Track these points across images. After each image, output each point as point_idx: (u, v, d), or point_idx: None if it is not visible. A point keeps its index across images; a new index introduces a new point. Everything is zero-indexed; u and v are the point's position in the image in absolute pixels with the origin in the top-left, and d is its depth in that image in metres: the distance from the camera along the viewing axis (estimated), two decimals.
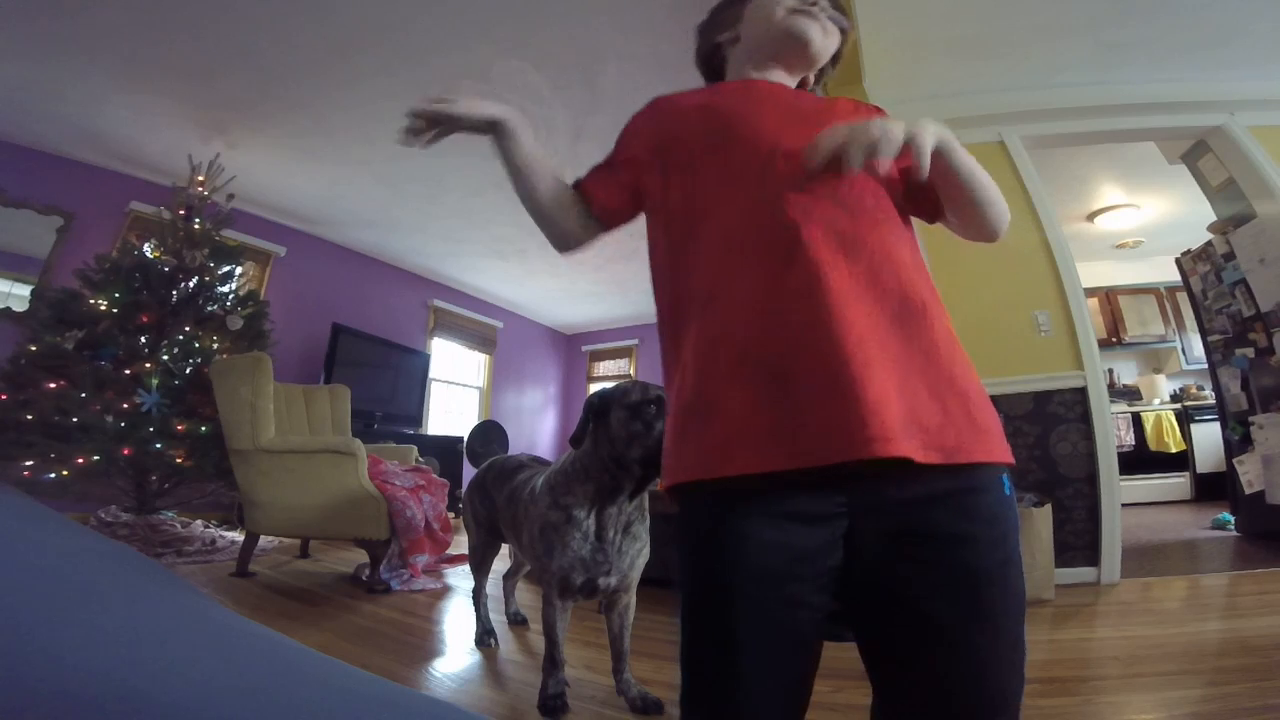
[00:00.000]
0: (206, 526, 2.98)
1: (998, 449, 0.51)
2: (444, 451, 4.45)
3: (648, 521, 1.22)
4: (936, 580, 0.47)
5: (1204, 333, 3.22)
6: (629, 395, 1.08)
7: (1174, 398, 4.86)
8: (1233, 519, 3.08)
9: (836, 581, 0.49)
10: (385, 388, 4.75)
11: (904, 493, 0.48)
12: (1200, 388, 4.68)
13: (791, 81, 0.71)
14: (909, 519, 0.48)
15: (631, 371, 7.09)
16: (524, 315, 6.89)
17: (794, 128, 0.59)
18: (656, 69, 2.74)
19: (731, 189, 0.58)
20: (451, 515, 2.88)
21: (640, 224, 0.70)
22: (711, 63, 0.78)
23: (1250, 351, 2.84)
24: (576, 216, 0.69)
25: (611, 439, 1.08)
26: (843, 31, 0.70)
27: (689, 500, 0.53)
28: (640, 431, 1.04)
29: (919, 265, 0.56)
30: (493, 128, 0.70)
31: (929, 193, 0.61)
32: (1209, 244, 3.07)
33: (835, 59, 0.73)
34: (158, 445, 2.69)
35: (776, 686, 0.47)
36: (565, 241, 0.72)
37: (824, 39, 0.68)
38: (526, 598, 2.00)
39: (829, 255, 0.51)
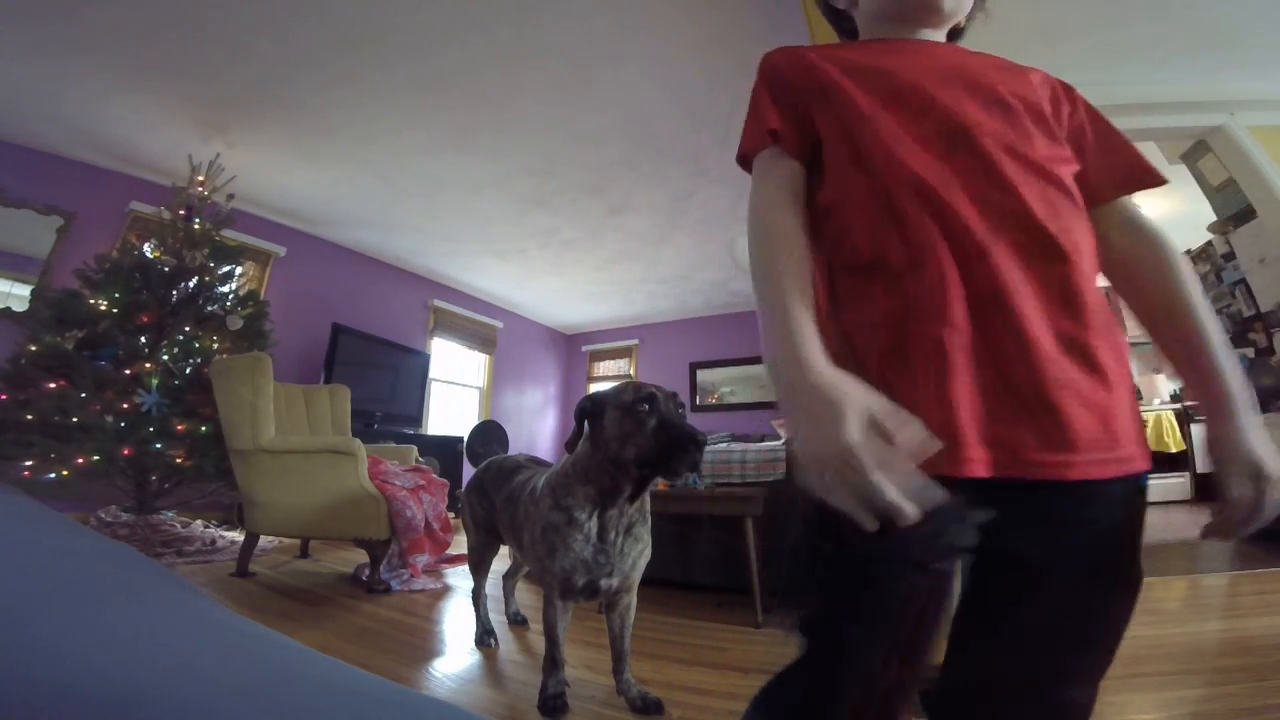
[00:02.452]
0: (206, 526, 2.98)
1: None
2: (444, 451, 4.44)
3: (649, 523, 1.22)
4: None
5: None
6: (622, 395, 1.08)
7: (1174, 398, 4.86)
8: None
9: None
10: (385, 388, 4.74)
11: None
12: None
13: (941, 36, 0.62)
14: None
15: (632, 371, 7.09)
16: (524, 315, 6.89)
17: (980, 100, 0.52)
18: (657, 68, 2.74)
19: (922, 156, 0.50)
20: (451, 515, 2.88)
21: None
22: (841, 23, 0.69)
23: (1250, 351, 2.84)
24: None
25: (607, 440, 1.08)
26: None
27: None
28: (633, 431, 1.04)
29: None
30: None
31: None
32: (1209, 244, 3.07)
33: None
34: (158, 445, 2.69)
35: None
36: None
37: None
38: (526, 598, 2.00)
39: (1018, 265, 0.46)
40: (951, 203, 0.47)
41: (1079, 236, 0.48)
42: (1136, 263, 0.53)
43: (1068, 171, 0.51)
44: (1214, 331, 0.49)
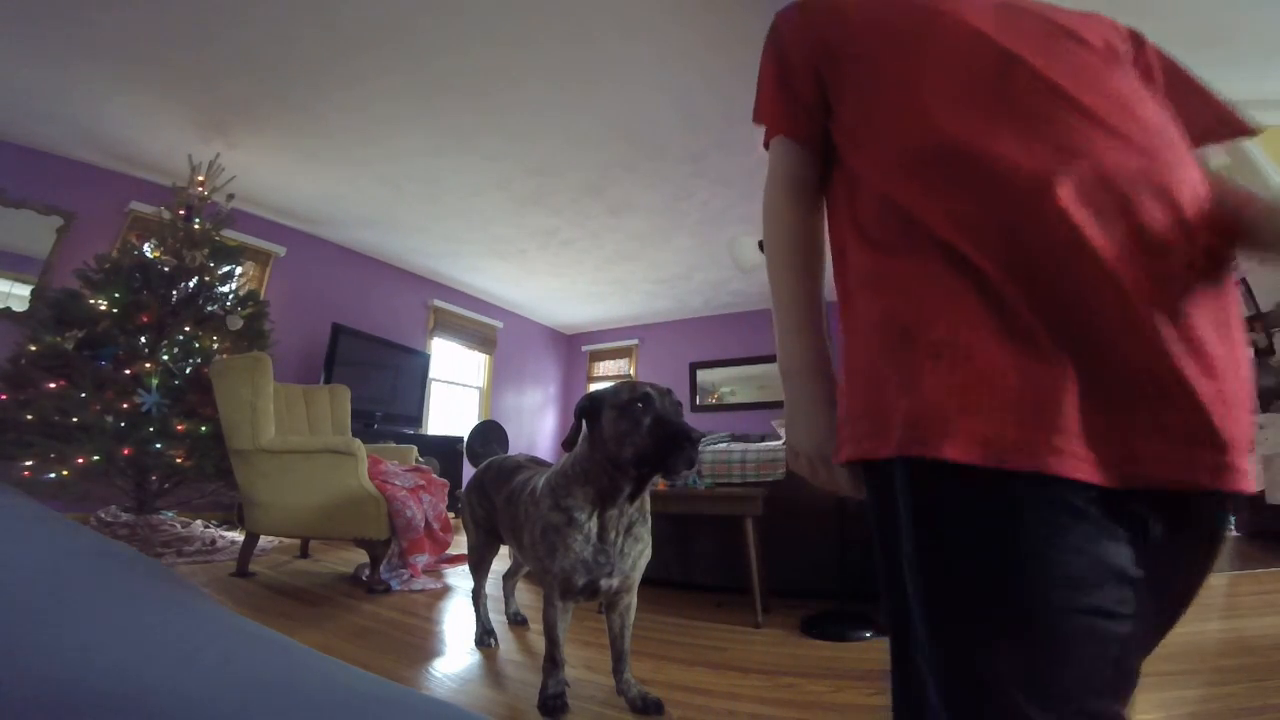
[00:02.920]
0: (206, 526, 2.98)
1: None
2: (444, 451, 4.45)
3: (649, 523, 1.22)
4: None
5: None
6: (618, 395, 1.08)
7: None
8: (1233, 519, 3.08)
9: None
10: (385, 388, 4.75)
11: None
12: None
13: None
14: None
15: (631, 371, 7.09)
16: (524, 315, 6.89)
17: (1041, 34, 0.45)
18: (656, 70, 2.74)
19: (957, 98, 0.44)
20: (451, 515, 2.88)
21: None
22: None
23: (1250, 351, 2.84)
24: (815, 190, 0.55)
25: (605, 440, 1.08)
26: None
27: None
28: (629, 430, 1.05)
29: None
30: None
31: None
32: None
33: None
34: (158, 445, 2.69)
35: None
36: None
37: None
38: (526, 598, 2.00)
39: (1088, 211, 0.38)
40: (1003, 151, 0.40)
41: (1186, 174, 0.40)
42: None
43: (1162, 108, 0.45)
44: None
